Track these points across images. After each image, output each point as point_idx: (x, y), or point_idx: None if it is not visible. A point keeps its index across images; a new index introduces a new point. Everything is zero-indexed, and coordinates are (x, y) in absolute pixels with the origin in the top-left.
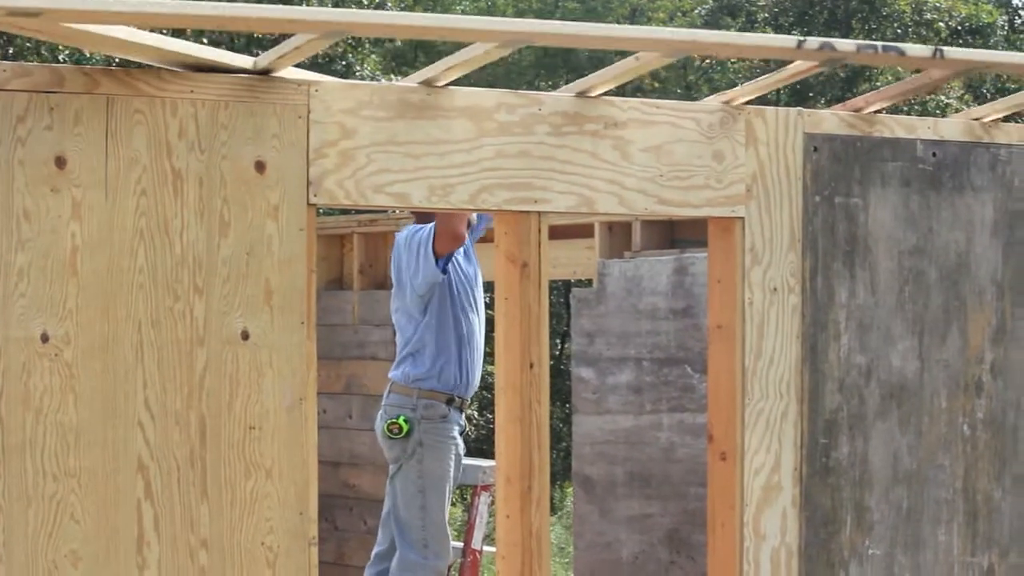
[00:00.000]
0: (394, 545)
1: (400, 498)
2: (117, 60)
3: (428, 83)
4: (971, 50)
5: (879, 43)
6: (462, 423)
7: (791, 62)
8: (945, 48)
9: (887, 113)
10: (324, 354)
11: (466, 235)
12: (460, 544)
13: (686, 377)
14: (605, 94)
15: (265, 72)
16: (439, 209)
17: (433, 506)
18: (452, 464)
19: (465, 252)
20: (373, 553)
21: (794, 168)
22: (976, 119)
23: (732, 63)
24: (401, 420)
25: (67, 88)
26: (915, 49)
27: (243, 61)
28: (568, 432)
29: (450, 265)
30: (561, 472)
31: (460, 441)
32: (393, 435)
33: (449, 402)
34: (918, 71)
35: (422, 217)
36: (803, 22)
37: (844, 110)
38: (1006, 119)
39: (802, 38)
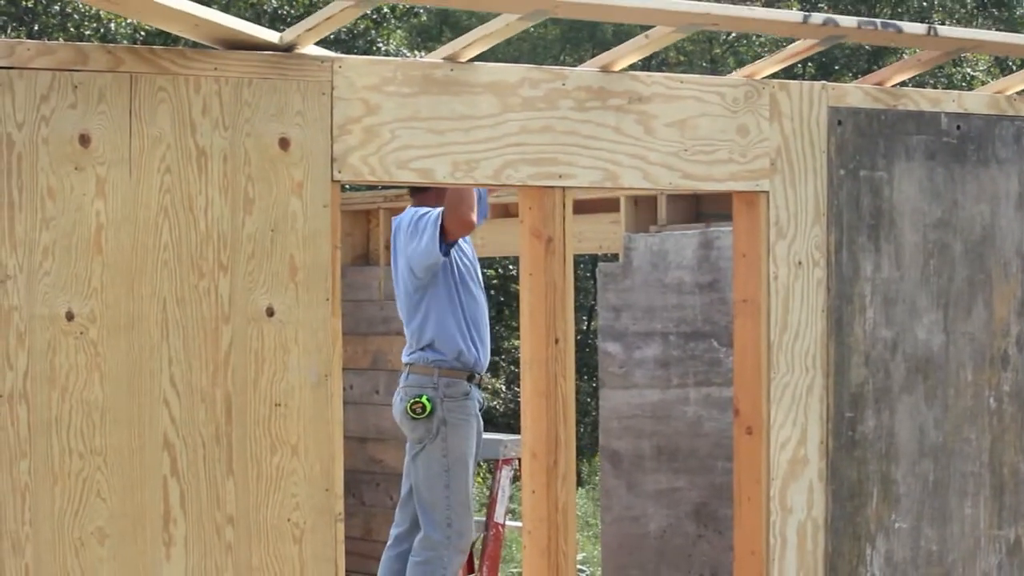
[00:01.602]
0: (415, 525)
1: (423, 478)
2: (142, 36)
3: (451, 58)
4: (963, 30)
5: (879, 20)
6: (481, 399)
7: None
8: (939, 27)
9: (912, 86)
10: (350, 330)
11: (475, 221)
12: (483, 519)
13: (712, 351)
14: (631, 68)
15: (290, 48)
16: (463, 184)
17: (458, 484)
18: (475, 441)
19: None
20: (392, 535)
21: (818, 142)
22: (1000, 92)
23: (757, 37)
24: (424, 399)
25: (91, 66)
26: (911, 27)
27: (271, 35)
28: (595, 406)
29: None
30: (589, 446)
31: (480, 417)
32: (416, 415)
33: (470, 379)
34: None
35: (420, 199)
36: None
37: (868, 83)
38: None
39: (807, 13)
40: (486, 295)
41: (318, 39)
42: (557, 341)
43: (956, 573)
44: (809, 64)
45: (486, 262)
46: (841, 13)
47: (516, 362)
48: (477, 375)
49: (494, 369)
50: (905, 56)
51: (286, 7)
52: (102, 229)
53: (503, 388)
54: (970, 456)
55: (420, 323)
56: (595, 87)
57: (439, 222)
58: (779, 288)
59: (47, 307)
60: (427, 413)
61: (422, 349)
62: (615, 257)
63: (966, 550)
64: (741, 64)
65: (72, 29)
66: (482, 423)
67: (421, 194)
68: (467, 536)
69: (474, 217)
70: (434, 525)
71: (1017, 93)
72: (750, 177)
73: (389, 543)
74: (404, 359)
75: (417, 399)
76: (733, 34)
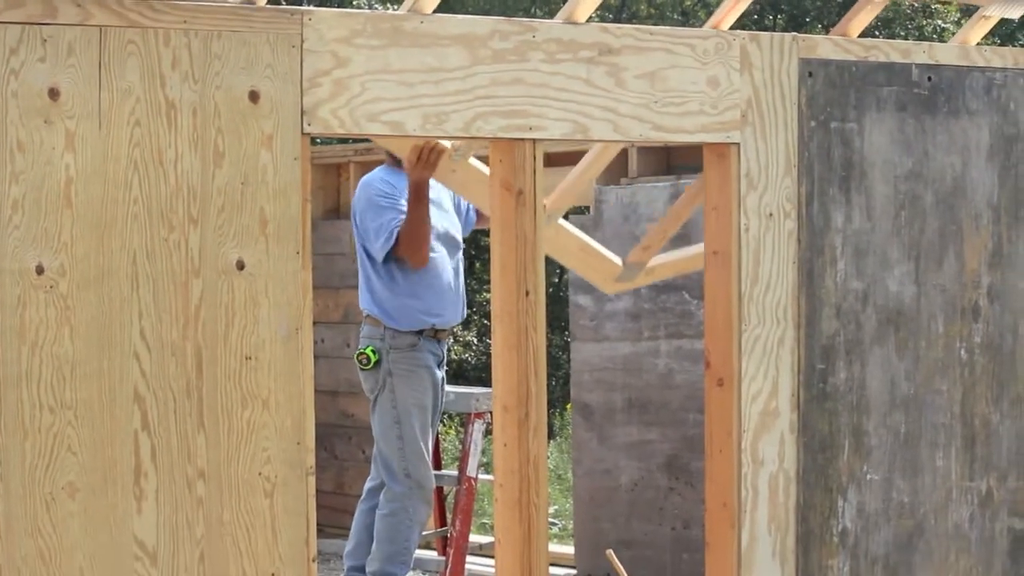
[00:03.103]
0: None
1: (378, 431)
2: None
3: (416, 10)
4: None
5: None
6: (438, 351)
7: None
8: None
9: (882, 38)
10: (321, 283)
11: (426, 260)
12: (455, 472)
13: (684, 303)
14: (601, 21)
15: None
16: (433, 136)
17: (410, 435)
18: (429, 392)
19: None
20: (365, 488)
21: (789, 93)
22: (963, 42)
23: None
24: (368, 351)
25: (60, 20)
26: None
27: None
28: (567, 359)
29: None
30: (560, 399)
31: (436, 369)
32: (363, 366)
33: (419, 332)
34: None
35: (396, 160)
36: None
37: (837, 34)
38: (1002, 43)
39: None
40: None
41: None
42: (528, 294)
43: (928, 524)
44: (780, 16)
45: None
46: None
47: (487, 315)
48: (431, 328)
49: (466, 323)
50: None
51: None
52: (71, 183)
53: (475, 341)
54: (941, 408)
55: (366, 280)
56: (565, 39)
57: (395, 238)
58: (750, 240)
59: (16, 261)
60: (372, 364)
61: (371, 302)
62: (586, 210)
63: (938, 501)
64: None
65: None
66: (439, 375)
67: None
68: (427, 486)
69: (426, 255)
70: (394, 477)
71: (981, 43)
72: (721, 129)
73: (362, 496)
74: (360, 304)
75: (362, 350)
76: None
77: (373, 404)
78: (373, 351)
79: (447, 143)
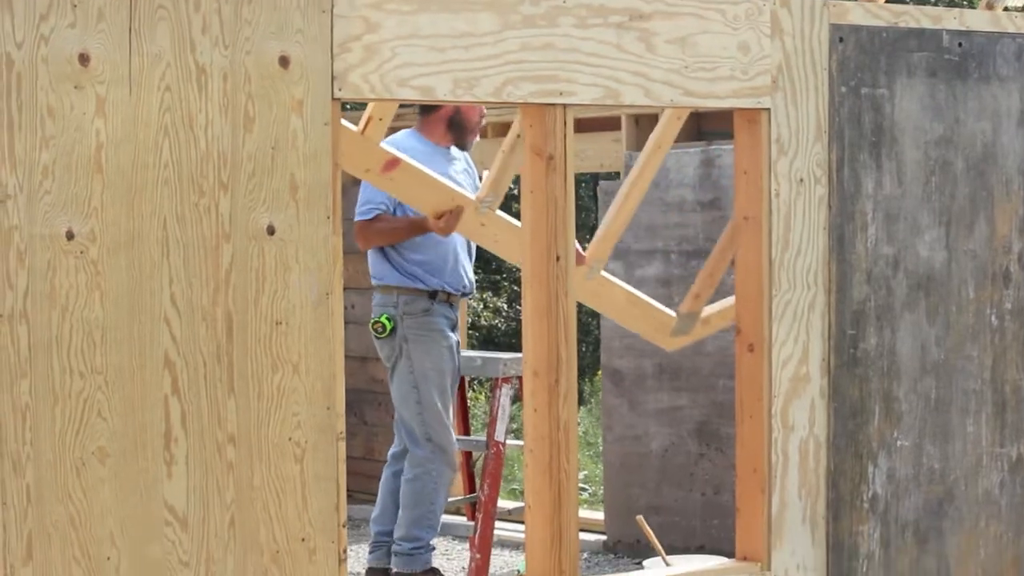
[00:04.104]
0: None
1: (398, 397)
2: None
3: None
4: None
5: None
6: (452, 315)
7: None
8: None
9: (913, 4)
10: (351, 249)
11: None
12: (483, 437)
13: None
14: None
15: None
16: (464, 102)
17: (428, 400)
18: (445, 356)
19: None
20: (389, 453)
21: (820, 59)
22: (988, 5)
23: None
24: (384, 318)
25: None
26: None
27: None
28: (597, 325)
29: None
30: (590, 365)
31: (451, 332)
32: (378, 334)
33: (432, 296)
34: None
35: (427, 122)
36: None
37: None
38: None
39: None
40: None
41: None
42: (558, 259)
43: (958, 490)
44: None
45: None
46: None
47: (518, 281)
48: (443, 292)
49: (496, 288)
50: None
51: None
52: (102, 148)
53: (504, 306)
54: (972, 374)
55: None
56: (595, 4)
57: (371, 217)
58: (780, 205)
59: (47, 227)
60: (387, 332)
61: (384, 268)
62: (616, 175)
63: (968, 467)
64: None
65: None
66: (454, 339)
67: (428, 115)
68: (449, 449)
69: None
70: (416, 442)
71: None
72: (752, 94)
73: (387, 462)
74: (373, 275)
75: (377, 319)
76: None
77: (391, 371)
78: (388, 319)
79: (471, 196)
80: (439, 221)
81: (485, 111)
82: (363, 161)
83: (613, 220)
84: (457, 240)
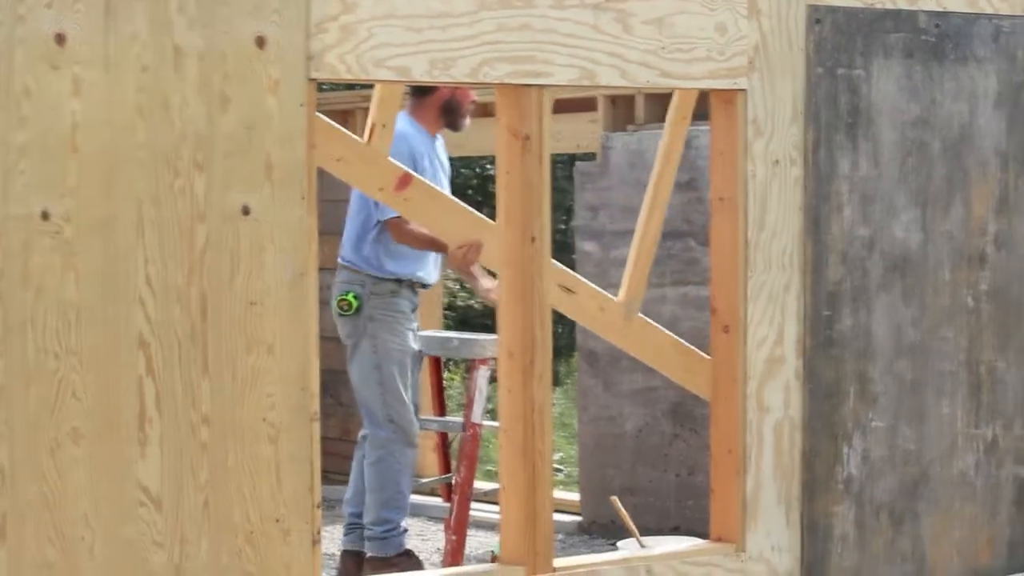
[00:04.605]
0: None
1: (358, 377)
2: None
3: None
4: None
5: None
6: (415, 301)
7: None
8: None
9: None
10: (328, 229)
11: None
12: (460, 419)
13: (690, 250)
14: None
15: None
16: (440, 83)
17: (390, 381)
18: (409, 337)
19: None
20: (360, 436)
21: (796, 40)
22: None
23: None
24: (350, 296)
25: None
26: None
27: None
28: None
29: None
30: (566, 346)
31: (414, 318)
32: (343, 311)
33: (398, 281)
34: None
35: (418, 105)
36: None
37: None
38: None
39: None
40: (455, 195)
41: None
42: (534, 240)
43: (933, 471)
44: None
45: (464, 162)
46: None
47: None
48: (409, 280)
49: None
50: None
51: None
52: (77, 128)
53: None
54: (947, 355)
55: (351, 230)
56: None
57: (383, 227)
58: (756, 187)
59: (22, 206)
60: (353, 310)
61: (354, 251)
62: (592, 156)
63: (943, 449)
64: None
65: None
66: (415, 324)
67: (422, 99)
68: (411, 429)
69: (405, 244)
70: (377, 424)
71: None
72: (728, 75)
73: (358, 444)
74: (339, 257)
75: (343, 296)
76: None
77: (352, 351)
78: (355, 297)
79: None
80: (459, 251)
81: (476, 95)
82: (375, 178)
83: (639, 248)
84: None
